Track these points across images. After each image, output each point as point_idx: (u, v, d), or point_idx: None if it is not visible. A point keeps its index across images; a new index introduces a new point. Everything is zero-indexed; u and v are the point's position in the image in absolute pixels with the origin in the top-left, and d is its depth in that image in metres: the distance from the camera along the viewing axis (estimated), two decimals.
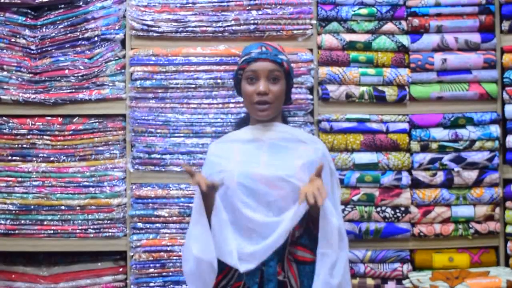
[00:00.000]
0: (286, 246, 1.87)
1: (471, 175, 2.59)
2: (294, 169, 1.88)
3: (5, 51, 2.58)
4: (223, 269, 1.88)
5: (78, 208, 2.57)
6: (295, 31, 2.60)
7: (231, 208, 1.87)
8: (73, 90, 2.58)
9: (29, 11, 2.57)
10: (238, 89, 2.05)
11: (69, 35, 2.56)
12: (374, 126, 2.60)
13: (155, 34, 2.58)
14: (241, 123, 2.11)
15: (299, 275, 1.88)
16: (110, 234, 2.58)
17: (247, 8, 2.58)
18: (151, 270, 2.55)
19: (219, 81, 2.56)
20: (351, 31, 2.61)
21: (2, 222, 2.58)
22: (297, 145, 1.96)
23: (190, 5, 2.58)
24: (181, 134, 2.59)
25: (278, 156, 1.92)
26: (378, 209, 2.59)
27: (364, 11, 2.59)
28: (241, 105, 2.56)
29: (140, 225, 2.57)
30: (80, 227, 2.58)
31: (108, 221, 2.58)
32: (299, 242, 1.89)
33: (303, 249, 1.91)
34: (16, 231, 2.58)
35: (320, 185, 1.71)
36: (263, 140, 1.96)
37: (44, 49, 2.56)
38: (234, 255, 1.81)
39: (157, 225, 2.57)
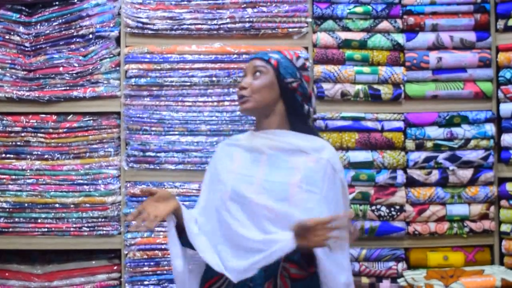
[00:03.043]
0: (279, 263, 1.78)
1: (466, 173, 2.60)
2: (287, 191, 1.78)
3: None
4: (212, 276, 1.86)
5: (72, 206, 2.56)
6: (290, 29, 2.59)
7: (222, 221, 1.83)
8: (68, 88, 2.57)
9: (23, 8, 2.56)
10: None
11: (63, 32, 2.55)
12: (369, 124, 2.60)
13: (150, 32, 2.57)
14: None
15: None
16: (104, 232, 2.57)
17: (242, 6, 2.58)
18: (146, 268, 2.54)
19: (214, 79, 2.56)
20: (346, 29, 2.61)
21: None
22: (297, 158, 1.82)
23: (185, 2, 2.58)
24: (176, 132, 2.59)
25: (275, 173, 1.82)
26: (373, 207, 2.58)
27: (359, 9, 2.59)
28: (236, 103, 2.55)
29: (134, 223, 2.56)
30: (74, 225, 2.57)
31: (103, 219, 2.58)
32: (292, 259, 1.79)
33: (296, 266, 1.82)
34: (10, 229, 2.57)
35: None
36: (263, 151, 1.87)
37: (38, 47, 2.56)
38: (221, 266, 1.77)
39: None
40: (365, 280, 2.59)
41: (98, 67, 2.57)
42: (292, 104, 1.90)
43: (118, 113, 2.61)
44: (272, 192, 1.78)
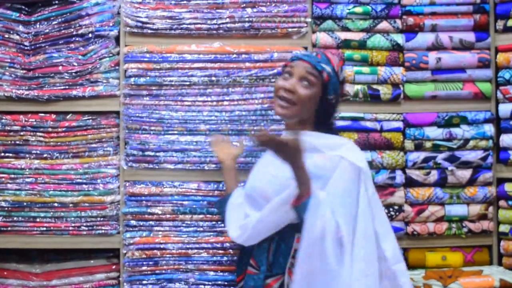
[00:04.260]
0: (288, 259, 1.84)
1: (465, 174, 2.60)
2: (287, 185, 1.80)
3: None
4: (240, 273, 1.86)
5: (71, 205, 2.56)
6: (289, 29, 2.59)
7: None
8: (67, 87, 2.57)
9: (23, 7, 2.55)
10: None
11: (63, 31, 2.55)
12: (368, 124, 2.60)
13: (149, 31, 2.57)
14: None
15: None
16: (103, 231, 2.57)
17: (242, 5, 2.58)
18: (144, 268, 2.54)
19: (213, 78, 2.56)
20: (345, 29, 2.61)
21: None
22: (310, 155, 1.80)
23: (185, 2, 2.57)
24: (175, 132, 2.58)
25: (276, 166, 1.83)
26: None
27: (359, 9, 2.60)
28: (235, 102, 2.56)
29: (133, 222, 2.56)
30: (73, 225, 2.57)
31: (101, 219, 2.57)
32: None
33: None
34: (9, 228, 2.57)
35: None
36: None
37: (37, 46, 2.55)
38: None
39: (151, 222, 2.56)
40: None
41: (98, 66, 2.57)
42: (323, 114, 1.93)
43: (117, 113, 2.61)
44: (273, 184, 1.84)
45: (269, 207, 1.79)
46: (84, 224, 2.57)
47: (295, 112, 1.90)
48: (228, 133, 2.54)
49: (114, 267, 2.62)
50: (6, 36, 2.56)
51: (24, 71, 2.56)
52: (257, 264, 1.87)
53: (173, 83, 2.56)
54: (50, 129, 2.57)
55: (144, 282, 2.54)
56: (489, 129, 2.61)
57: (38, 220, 2.57)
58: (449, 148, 2.60)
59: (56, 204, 2.56)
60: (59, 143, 2.58)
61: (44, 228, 2.57)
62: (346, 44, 2.60)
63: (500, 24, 2.61)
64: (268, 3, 2.58)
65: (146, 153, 2.57)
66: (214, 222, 2.55)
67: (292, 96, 1.88)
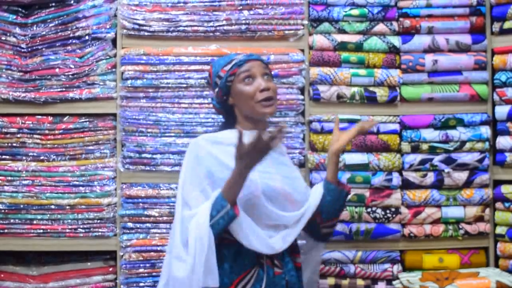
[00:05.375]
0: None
1: (462, 176, 2.60)
2: (302, 183, 1.97)
3: None
4: (240, 273, 1.85)
5: (68, 207, 2.56)
6: (286, 32, 2.60)
7: (253, 212, 1.82)
8: (64, 89, 2.57)
9: (20, 9, 2.55)
10: (224, 100, 1.95)
11: (60, 33, 2.55)
12: None
13: (146, 34, 2.58)
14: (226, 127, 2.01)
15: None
16: (100, 233, 2.57)
17: (239, 8, 2.58)
18: (141, 270, 2.54)
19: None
20: (342, 31, 2.62)
21: None
22: (278, 155, 1.94)
23: (182, 4, 2.58)
24: (172, 134, 2.58)
25: (279, 168, 1.91)
26: (369, 209, 2.59)
27: (355, 12, 2.60)
28: None
29: (130, 224, 2.56)
30: (70, 227, 2.57)
31: (98, 221, 2.57)
32: (297, 250, 1.93)
33: (299, 255, 1.94)
34: (6, 230, 2.57)
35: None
36: None
37: (34, 48, 2.55)
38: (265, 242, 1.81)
39: (147, 225, 2.56)
40: (360, 282, 2.59)
41: (94, 68, 2.57)
42: None
43: (114, 115, 2.61)
44: (294, 186, 1.90)
45: (312, 207, 1.90)
46: (81, 226, 2.57)
47: (275, 106, 1.91)
48: None
49: (111, 269, 2.62)
50: (3, 38, 2.56)
51: (21, 73, 2.56)
52: (281, 263, 1.86)
53: (170, 85, 2.56)
54: (47, 131, 2.58)
55: (141, 284, 2.55)
56: (486, 131, 2.61)
57: (35, 222, 2.57)
58: (446, 150, 2.61)
59: (53, 206, 2.56)
60: (56, 145, 2.58)
61: (41, 230, 2.57)
62: (342, 46, 2.60)
63: (496, 26, 2.62)
64: (265, 6, 2.59)
65: (143, 155, 2.57)
66: None
67: (270, 93, 1.88)
